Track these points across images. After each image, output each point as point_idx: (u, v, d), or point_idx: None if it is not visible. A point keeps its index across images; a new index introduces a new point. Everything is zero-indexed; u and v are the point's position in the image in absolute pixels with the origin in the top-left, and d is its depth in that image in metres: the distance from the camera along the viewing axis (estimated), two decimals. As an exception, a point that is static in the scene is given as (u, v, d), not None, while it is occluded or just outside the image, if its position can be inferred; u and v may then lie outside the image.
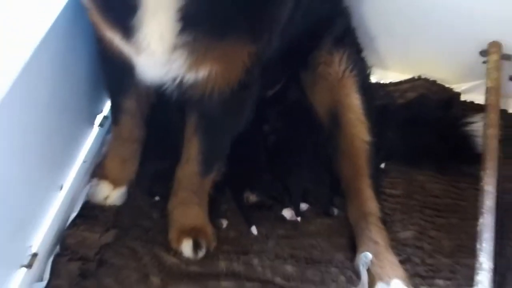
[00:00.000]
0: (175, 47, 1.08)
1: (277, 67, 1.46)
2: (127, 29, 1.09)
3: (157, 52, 1.10)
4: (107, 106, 1.58)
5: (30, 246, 1.31)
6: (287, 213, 1.45)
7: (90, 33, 1.29)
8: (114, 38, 1.17)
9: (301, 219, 1.45)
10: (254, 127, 1.48)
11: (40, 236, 1.34)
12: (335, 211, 1.49)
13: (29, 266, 1.28)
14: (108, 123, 1.57)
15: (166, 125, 1.44)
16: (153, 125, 1.48)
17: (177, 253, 1.37)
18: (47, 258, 1.36)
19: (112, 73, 1.36)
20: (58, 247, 1.38)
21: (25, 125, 1.18)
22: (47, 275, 1.33)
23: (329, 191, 1.52)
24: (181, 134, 1.37)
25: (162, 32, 1.07)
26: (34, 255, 1.30)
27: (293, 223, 1.45)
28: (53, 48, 1.21)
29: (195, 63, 1.11)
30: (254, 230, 1.44)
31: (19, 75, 1.07)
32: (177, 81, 1.16)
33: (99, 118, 1.58)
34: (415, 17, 1.70)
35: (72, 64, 1.35)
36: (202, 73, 1.13)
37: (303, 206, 1.47)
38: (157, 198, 1.48)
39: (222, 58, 1.12)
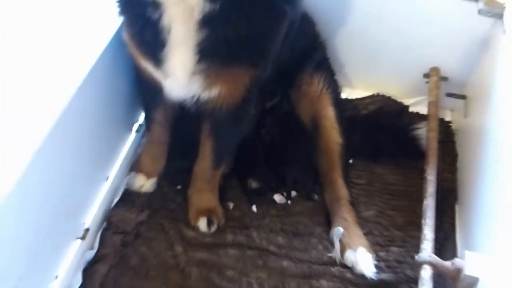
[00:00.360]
0: (193, 73, 1.09)
1: (273, 86, 1.47)
2: (157, 59, 1.10)
3: (180, 77, 1.11)
4: (142, 116, 1.57)
5: (84, 223, 1.32)
6: (277, 197, 1.46)
7: (129, 63, 1.28)
8: (147, 66, 1.18)
9: (289, 202, 1.46)
10: (255, 131, 1.50)
11: (91, 215, 1.35)
12: (315, 196, 1.49)
13: (83, 238, 1.29)
14: (142, 129, 1.57)
15: (186, 131, 1.43)
16: (177, 131, 1.48)
17: (195, 228, 1.38)
18: (97, 232, 1.36)
19: (145, 92, 1.37)
20: (105, 224, 1.38)
21: (81, 131, 1.19)
22: (96, 245, 1.33)
23: (312, 181, 1.51)
24: (197, 138, 1.37)
25: (184, 62, 1.08)
26: (87, 229, 1.31)
27: (283, 205, 1.46)
28: (101, 73, 1.21)
29: (208, 85, 1.12)
30: (254, 208, 1.44)
31: (76, 92, 1.09)
32: (195, 98, 1.17)
33: (136, 126, 1.58)
34: (374, 48, 1.71)
35: (116, 85, 1.36)
36: (213, 92, 1.14)
37: (292, 193, 1.47)
38: (179, 186, 1.48)
39: (228, 81, 1.13)
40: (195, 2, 1.00)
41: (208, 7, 1.00)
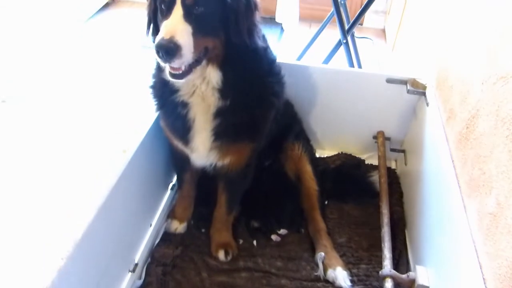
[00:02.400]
0: (211, 149, 1.12)
1: (267, 152, 1.46)
2: (185, 140, 1.13)
3: (201, 151, 1.14)
4: (174, 178, 1.57)
5: (134, 259, 1.29)
6: (273, 237, 1.42)
7: (165, 141, 1.30)
8: (178, 144, 1.20)
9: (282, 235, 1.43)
10: (256, 185, 1.45)
11: (139, 253, 1.32)
12: (302, 230, 1.46)
13: (133, 271, 1.26)
14: (175, 187, 1.56)
15: (207, 187, 1.42)
16: (200, 187, 1.46)
17: (216, 258, 1.34)
18: (143, 265, 1.33)
19: (177, 161, 1.37)
20: (149, 259, 1.35)
21: (131, 191, 1.20)
22: (143, 275, 1.30)
23: (299, 219, 1.48)
24: (215, 192, 1.36)
25: (204, 141, 1.10)
26: (136, 264, 1.28)
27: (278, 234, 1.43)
28: (145, 148, 1.22)
29: (221, 156, 1.14)
30: (254, 243, 1.41)
31: (128, 162, 1.11)
32: (213, 165, 1.18)
33: (170, 185, 1.57)
34: (337, 120, 1.72)
35: (156, 156, 1.36)
36: (225, 161, 1.16)
37: (283, 231, 1.43)
38: (203, 230, 1.44)
39: (235, 153, 1.15)
40: (212, 101, 1.04)
41: (221, 103, 1.03)
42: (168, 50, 0.87)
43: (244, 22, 0.97)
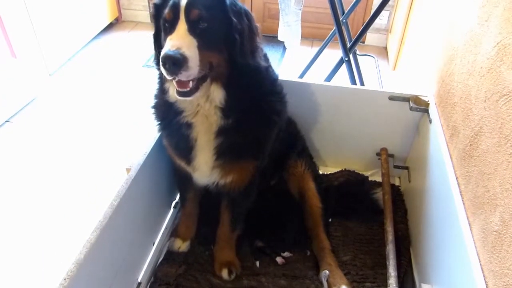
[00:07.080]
0: (213, 167, 1.12)
1: (271, 170, 1.46)
2: (188, 159, 1.13)
3: (204, 170, 1.14)
4: (177, 196, 1.56)
5: (137, 278, 1.28)
6: (279, 259, 1.40)
7: (168, 159, 1.31)
8: (181, 163, 1.20)
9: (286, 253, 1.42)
10: (260, 203, 1.44)
11: (142, 272, 1.31)
12: (308, 251, 1.43)
13: (136, 291, 1.25)
14: (178, 206, 1.55)
15: (210, 206, 1.42)
16: (203, 206, 1.46)
17: (219, 277, 1.33)
18: (147, 285, 1.32)
19: (180, 180, 1.37)
20: (152, 278, 1.34)
21: (135, 210, 1.20)
22: (146, 295, 1.28)
23: (304, 239, 1.46)
24: (218, 210, 1.35)
25: (206, 160, 1.11)
26: (139, 283, 1.27)
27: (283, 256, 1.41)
28: (148, 167, 1.23)
29: (224, 175, 1.14)
30: (257, 263, 1.39)
31: (132, 181, 1.11)
32: (215, 183, 1.18)
33: (173, 203, 1.57)
34: (339, 138, 1.72)
35: (159, 174, 1.37)
36: (228, 179, 1.16)
37: (287, 254, 1.41)
38: (207, 253, 1.42)
39: (238, 171, 1.15)
40: (214, 120, 1.05)
41: (223, 122, 1.04)
42: (175, 61, 0.86)
43: (247, 44, 0.98)
